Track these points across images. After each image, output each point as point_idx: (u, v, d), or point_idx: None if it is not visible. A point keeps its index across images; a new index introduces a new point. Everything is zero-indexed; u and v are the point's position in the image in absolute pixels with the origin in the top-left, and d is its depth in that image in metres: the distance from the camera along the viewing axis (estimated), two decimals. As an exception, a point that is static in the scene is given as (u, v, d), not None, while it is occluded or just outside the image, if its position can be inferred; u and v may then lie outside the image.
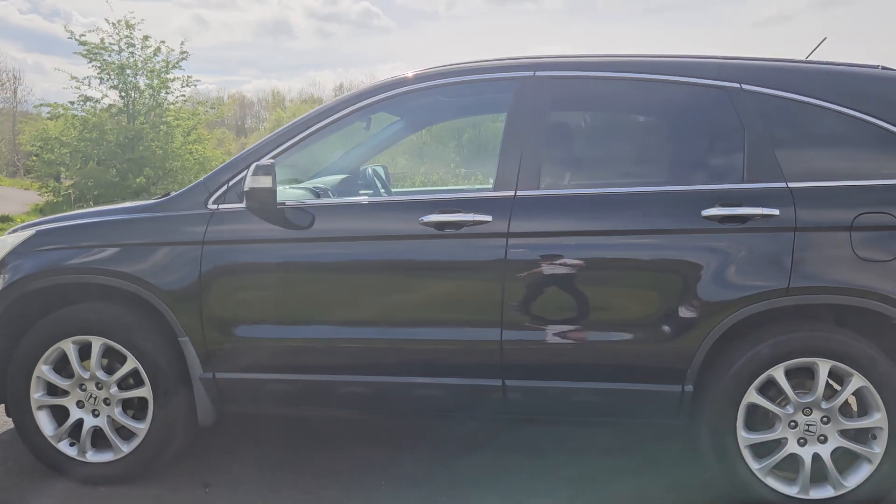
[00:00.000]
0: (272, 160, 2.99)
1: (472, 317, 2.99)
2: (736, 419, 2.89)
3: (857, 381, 2.83)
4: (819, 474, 2.89)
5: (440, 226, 2.97)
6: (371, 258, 3.04)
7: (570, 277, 2.93)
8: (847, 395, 2.85)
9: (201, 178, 3.28)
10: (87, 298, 3.27)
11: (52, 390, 3.27)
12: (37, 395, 3.24)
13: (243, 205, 3.11)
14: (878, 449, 2.84)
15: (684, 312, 2.87)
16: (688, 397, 2.90)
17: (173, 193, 3.32)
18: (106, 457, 3.23)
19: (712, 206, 2.88)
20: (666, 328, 2.88)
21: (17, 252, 3.28)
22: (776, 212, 2.84)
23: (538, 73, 3.11)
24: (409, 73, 3.23)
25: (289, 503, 3.06)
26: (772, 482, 2.91)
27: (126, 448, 3.20)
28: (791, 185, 2.88)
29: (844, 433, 2.88)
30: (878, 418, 2.83)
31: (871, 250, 2.80)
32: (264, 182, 2.92)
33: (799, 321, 2.90)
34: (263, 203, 2.98)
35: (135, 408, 3.25)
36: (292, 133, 3.20)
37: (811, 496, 2.88)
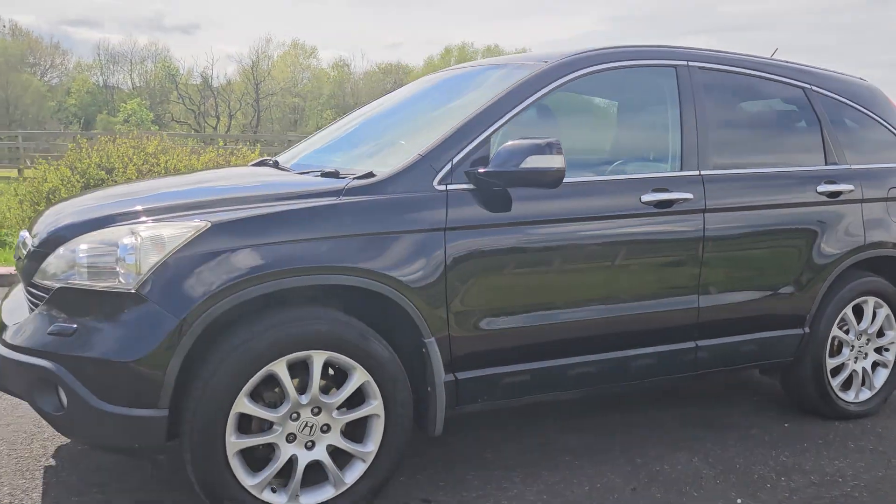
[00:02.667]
0: (556, 138, 2.78)
1: (679, 286, 3.25)
2: (826, 351, 3.72)
3: (884, 310, 3.88)
4: (854, 382, 3.87)
5: (657, 204, 3.15)
6: (606, 237, 3.06)
7: (747, 244, 3.41)
8: (881, 321, 3.89)
9: (417, 155, 2.82)
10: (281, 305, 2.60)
11: (245, 428, 2.54)
12: (233, 437, 2.49)
13: (470, 185, 2.82)
14: (892, 357, 3.94)
15: (811, 269, 3.57)
16: (806, 338, 3.63)
17: (379, 172, 2.79)
18: (323, 495, 2.65)
19: (821, 183, 3.61)
20: (802, 282, 3.55)
21: (192, 252, 2.43)
22: (852, 187, 3.70)
23: (690, 63, 3.44)
24: (587, 52, 3.24)
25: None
26: (841, 394, 3.81)
27: (349, 478, 2.67)
28: (852, 166, 3.77)
29: (877, 350, 3.92)
30: (893, 335, 3.93)
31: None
32: (556, 161, 2.72)
33: (857, 271, 3.82)
34: (549, 183, 2.77)
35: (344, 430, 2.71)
36: (502, 109, 2.97)
37: (860, 399, 3.87)
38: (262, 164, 3.66)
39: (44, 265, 2.61)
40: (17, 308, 2.89)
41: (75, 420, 2.43)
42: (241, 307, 2.47)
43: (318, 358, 2.57)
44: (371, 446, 2.69)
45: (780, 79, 3.73)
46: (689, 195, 3.22)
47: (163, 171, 8.92)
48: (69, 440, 3.32)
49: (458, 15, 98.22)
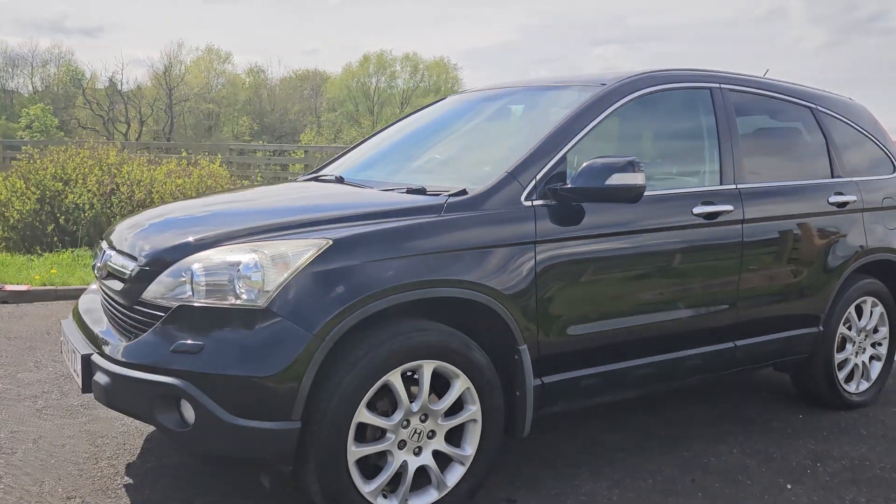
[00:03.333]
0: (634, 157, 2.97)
1: (724, 291, 3.51)
2: (834, 347, 4.07)
3: (879, 309, 4.28)
4: (855, 375, 4.26)
5: (706, 216, 3.41)
6: (668, 246, 3.30)
7: (776, 251, 3.71)
8: (876, 319, 4.28)
9: (504, 172, 2.97)
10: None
11: (361, 436, 2.63)
12: (353, 446, 2.58)
13: (551, 200, 3.00)
14: (884, 351, 4.35)
15: (826, 273, 3.92)
16: (820, 336, 3.97)
17: (472, 189, 2.93)
18: (428, 498, 2.77)
19: (832, 194, 3.97)
20: (819, 285, 3.89)
21: (318, 269, 2.51)
22: (855, 198, 4.08)
23: (722, 86, 3.73)
24: (638, 75, 3.47)
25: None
26: (846, 386, 4.18)
27: (451, 481, 2.80)
28: (853, 179, 4.15)
29: (872, 345, 4.31)
30: (885, 331, 4.34)
31: (892, 221, 4.26)
32: (638, 178, 2.92)
33: (859, 274, 4.18)
34: (631, 199, 2.97)
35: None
36: (576, 128, 3.16)
37: (860, 389, 4.25)
38: (316, 178, 3.73)
39: (155, 284, 2.63)
40: (103, 324, 2.90)
41: (204, 435, 2.47)
42: (366, 321, 2.57)
43: (428, 367, 2.69)
44: (469, 450, 2.82)
45: (792, 99, 4.08)
46: (730, 207, 3.49)
47: (126, 181, 8.72)
48: (134, 458, 3.31)
49: (374, 22, 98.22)
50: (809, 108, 4.14)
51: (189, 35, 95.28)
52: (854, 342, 4.21)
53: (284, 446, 2.47)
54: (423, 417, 2.73)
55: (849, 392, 4.20)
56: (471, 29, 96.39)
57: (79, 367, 2.76)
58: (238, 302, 2.50)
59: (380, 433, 2.66)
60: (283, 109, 64.18)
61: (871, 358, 4.33)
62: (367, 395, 2.57)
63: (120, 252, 2.92)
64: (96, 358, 2.71)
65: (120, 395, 2.59)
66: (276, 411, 2.45)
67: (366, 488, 2.62)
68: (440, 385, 2.78)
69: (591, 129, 3.19)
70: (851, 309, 4.13)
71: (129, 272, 2.77)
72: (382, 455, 2.68)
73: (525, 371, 2.90)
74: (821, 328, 3.96)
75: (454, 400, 2.76)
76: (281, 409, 2.45)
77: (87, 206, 8.52)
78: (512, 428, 2.95)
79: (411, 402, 2.68)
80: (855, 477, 3.35)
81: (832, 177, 4.09)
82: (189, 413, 2.48)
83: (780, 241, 3.73)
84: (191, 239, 2.69)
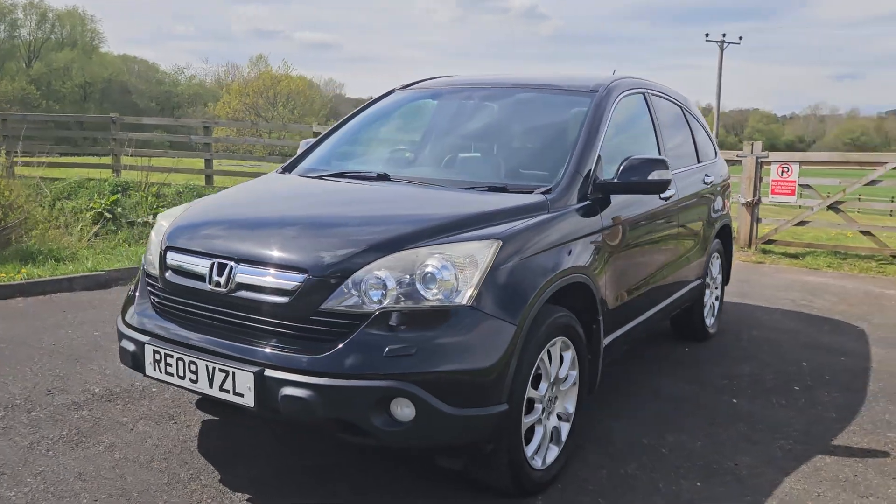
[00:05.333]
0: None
1: (673, 257, 4.44)
2: (703, 293, 5.30)
3: (719, 261, 5.63)
4: (710, 312, 5.58)
5: (665, 198, 4.26)
6: (658, 223, 4.13)
7: (690, 222, 4.74)
8: (718, 269, 5.62)
9: (568, 172, 3.44)
10: None
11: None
12: (524, 419, 2.95)
13: (599, 194, 3.57)
14: (719, 291, 5.74)
15: (707, 236, 5.08)
16: (702, 285, 5.14)
17: (553, 188, 3.35)
18: (553, 454, 3.22)
19: (706, 176, 5.13)
20: (705, 245, 5.04)
21: (502, 265, 2.81)
22: (713, 178, 5.30)
23: (647, 91, 4.59)
24: (616, 81, 4.16)
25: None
26: (707, 321, 5.45)
27: (564, 437, 3.29)
28: (705, 162, 5.37)
29: (715, 288, 5.66)
30: (720, 277, 5.72)
31: (723, 198, 5.60)
32: (668, 174, 3.58)
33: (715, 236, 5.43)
34: (661, 191, 3.62)
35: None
36: (600, 129, 3.74)
37: (711, 323, 5.57)
38: (342, 175, 3.79)
39: (339, 293, 2.67)
40: (235, 338, 2.82)
41: (424, 429, 2.61)
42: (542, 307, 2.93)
43: (559, 343, 3.14)
44: (572, 408, 3.33)
45: (673, 100, 5.10)
46: (673, 190, 4.39)
47: None
48: (216, 472, 3.19)
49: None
50: (680, 106, 5.22)
51: None
52: (710, 287, 5.48)
53: (495, 428, 2.76)
54: (552, 385, 3.17)
55: (708, 325, 5.48)
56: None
57: (249, 384, 2.67)
58: (436, 303, 2.68)
59: (529, 404, 3.05)
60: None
61: (716, 298, 5.66)
62: (531, 374, 2.94)
63: (259, 263, 2.82)
64: (273, 373, 2.65)
65: (327, 406, 2.59)
66: (490, 397, 2.71)
67: (528, 452, 3.01)
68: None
69: (605, 131, 3.80)
70: (711, 263, 5.38)
71: (297, 283, 2.73)
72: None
73: (602, 336, 3.48)
74: (703, 279, 5.13)
75: (567, 369, 3.25)
76: (495, 395, 2.72)
77: None
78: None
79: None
80: (763, 388, 4.52)
81: (698, 162, 5.24)
82: (404, 411, 2.61)
83: (692, 214, 4.77)
84: (368, 246, 2.76)
